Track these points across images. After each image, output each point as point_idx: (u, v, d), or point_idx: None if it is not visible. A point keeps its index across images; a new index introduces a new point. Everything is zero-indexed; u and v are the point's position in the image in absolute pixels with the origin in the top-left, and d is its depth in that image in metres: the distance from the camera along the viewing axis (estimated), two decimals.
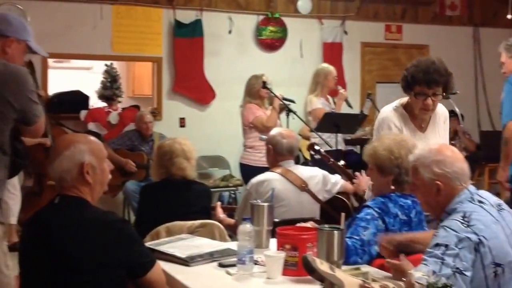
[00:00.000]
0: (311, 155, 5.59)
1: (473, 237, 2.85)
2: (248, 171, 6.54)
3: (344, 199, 5.08)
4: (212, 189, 8.47)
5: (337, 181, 5.04)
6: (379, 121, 4.37)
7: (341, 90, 7.64)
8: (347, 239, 3.41)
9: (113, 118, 8.42)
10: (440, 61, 4.12)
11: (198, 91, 9.07)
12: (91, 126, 8.28)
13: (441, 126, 4.36)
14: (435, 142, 4.04)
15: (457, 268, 2.79)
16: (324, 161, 5.50)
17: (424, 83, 4.06)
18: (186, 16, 8.98)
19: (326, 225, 3.16)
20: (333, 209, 4.94)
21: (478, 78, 10.82)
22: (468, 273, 2.80)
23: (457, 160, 3.08)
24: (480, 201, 3.02)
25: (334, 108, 7.53)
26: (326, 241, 3.07)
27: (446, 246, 2.83)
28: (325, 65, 7.85)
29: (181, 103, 9.08)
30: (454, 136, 8.16)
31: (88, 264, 2.82)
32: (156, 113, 8.74)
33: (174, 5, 8.89)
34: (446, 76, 4.08)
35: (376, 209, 3.59)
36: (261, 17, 9.43)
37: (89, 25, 8.50)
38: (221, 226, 4.49)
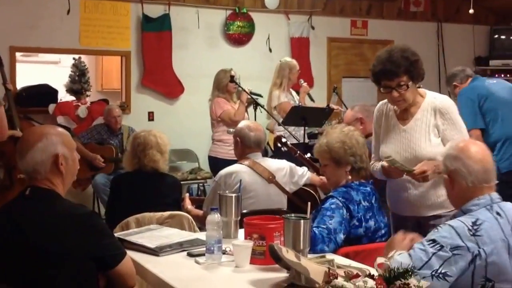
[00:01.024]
0: (278, 148, 5.67)
1: (473, 248, 2.82)
2: (217, 164, 6.61)
3: (311, 190, 5.18)
4: (181, 182, 8.63)
5: (304, 173, 5.14)
6: None
7: (303, 83, 7.70)
8: (314, 228, 3.54)
9: (82, 112, 8.42)
10: (400, 49, 3.92)
11: (166, 85, 9.12)
12: (60, 119, 8.27)
13: (430, 120, 4.01)
14: (417, 137, 3.98)
15: (440, 273, 2.80)
16: (291, 154, 5.58)
17: (383, 76, 3.92)
18: (154, 10, 9.01)
19: (293, 215, 3.27)
20: (300, 201, 5.04)
21: (441, 73, 10.97)
22: (451, 279, 2.80)
23: (469, 158, 3.02)
24: (498, 213, 2.96)
25: (298, 101, 7.59)
26: (293, 230, 3.15)
27: (441, 247, 2.83)
28: (288, 59, 7.88)
29: (149, 97, 9.12)
30: None
31: (58, 256, 2.83)
32: (125, 107, 8.79)
33: None
34: (405, 64, 3.86)
35: (340, 198, 3.74)
36: (229, 12, 9.50)
37: (57, 19, 8.50)
38: (190, 217, 4.58)
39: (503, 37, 11.30)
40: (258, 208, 4.64)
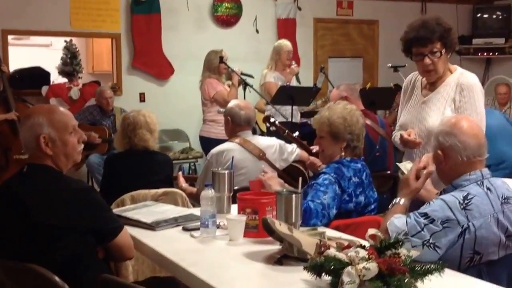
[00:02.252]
0: (267, 127, 5.79)
1: (463, 221, 2.87)
2: (210, 144, 6.61)
3: (300, 167, 5.31)
4: (174, 161, 8.76)
5: (293, 150, 5.26)
6: None
7: (293, 66, 7.80)
8: (309, 202, 3.65)
9: (74, 93, 8.53)
10: (434, 18, 3.93)
11: (156, 67, 9.23)
12: (53, 101, 8.37)
13: (449, 94, 3.98)
14: (433, 109, 3.98)
15: (431, 243, 2.86)
16: (280, 133, 5.71)
17: (417, 42, 3.89)
18: None
19: (285, 189, 3.41)
20: (290, 177, 5.17)
21: None
22: (441, 250, 2.86)
23: (463, 133, 3.04)
24: (488, 188, 2.99)
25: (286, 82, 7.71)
26: (285, 204, 3.25)
27: (432, 220, 2.88)
28: (281, 41, 8.02)
29: (140, 78, 9.23)
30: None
31: (57, 230, 2.90)
32: (116, 89, 8.89)
33: None
34: (440, 31, 3.86)
35: (333, 174, 3.83)
36: None
37: (48, 2, 8.58)
38: (184, 194, 4.70)
39: (485, 16, 11.40)
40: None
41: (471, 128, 3.10)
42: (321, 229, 3.37)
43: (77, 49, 8.95)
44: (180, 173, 5.36)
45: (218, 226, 3.51)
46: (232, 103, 5.17)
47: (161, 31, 9.19)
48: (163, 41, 9.22)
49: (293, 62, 7.78)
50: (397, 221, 3.00)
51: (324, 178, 3.83)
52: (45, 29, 8.70)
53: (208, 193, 3.46)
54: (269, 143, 5.14)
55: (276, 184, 3.93)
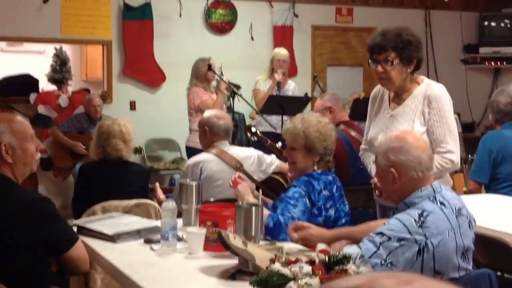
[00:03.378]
0: (248, 137, 5.69)
1: (421, 240, 2.82)
2: (195, 154, 6.58)
3: (280, 179, 5.19)
4: (163, 172, 8.68)
5: (272, 161, 5.15)
6: None
7: (276, 74, 7.62)
8: (279, 215, 3.57)
9: (63, 101, 8.45)
10: (398, 28, 3.85)
11: (148, 74, 9.13)
12: (41, 109, 8.32)
13: (418, 107, 3.87)
14: (401, 122, 3.87)
15: (388, 262, 2.80)
16: (262, 143, 5.60)
17: (372, 50, 3.85)
18: None
19: (245, 202, 3.31)
20: (269, 189, 5.05)
21: (429, 60, 10.88)
22: (397, 270, 2.79)
23: (415, 148, 2.97)
24: (442, 203, 2.94)
25: (280, 91, 7.58)
26: (244, 217, 3.21)
27: (389, 238, 2.83)
28: (276, 49, 7.93)
29: (131, 86, 9.13)
30: None
31: (9, 240, 2.89)
32: (106, 96, 8.79)
33: None
34: (396, 41, 3.78)
35: (303, 187, 3.75)
36: (211, 0, 9.47)
37: (38, 8, 8.50)
38: (157, 206, 4.62)
39: (493, 24, 11.09)
40: (226, 196, 4.64)
41: (419, 142, 3.05)
42: (280, 243, 3.25)
43: (67, 56, 8.85)
44: (157, 184, 5.25)
45: (180, 239, 3.44)
46: (208, 113, 5.07)
47: (153, 38, 9.09)
48: (155, 48, 9.12)
49: (279, 71, 7.59)
50: (350, 249, 2.91)
51: (294, 191, 3.76)
52: (35, 35, 8.63)
53: (169, 204, 3.40)
54: (246, 154, 5.02)
55: (248, 192, 3.83)
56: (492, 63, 11.00)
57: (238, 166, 4.89)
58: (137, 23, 8.96)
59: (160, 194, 5.05)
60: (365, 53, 10.34)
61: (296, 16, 9.96)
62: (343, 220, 3.89)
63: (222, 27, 9.56)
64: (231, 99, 7.18)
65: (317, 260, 2.56)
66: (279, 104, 7.01)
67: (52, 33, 8.61)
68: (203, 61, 7.28)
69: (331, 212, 3.82)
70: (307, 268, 2.47)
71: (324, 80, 9.76)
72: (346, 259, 2.53)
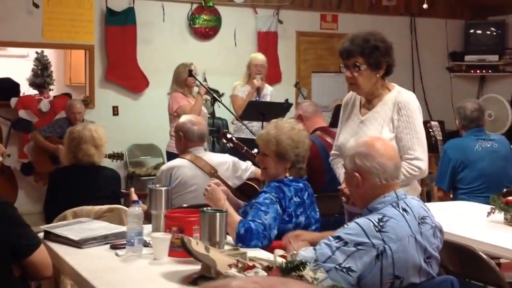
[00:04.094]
0: (224, 144, 5.67)
1: (378, 244, 2.81)
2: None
3: (255, 185, 5.17)
4: (145, 177, 8.64)
5: (247, 167, 5.13)
6: None
7: (255, 80, 7.56)
8: (250, 222, 3.56)
9: (44, 105, 8.42)
10: (368, 33, 3.83)
11: (131, 79, 9.09)
12: (22, 113, 8.28)
13: (387, 114, 3.84)
14: (370, 128, 3.86)
15: (343, 267, 2.78)
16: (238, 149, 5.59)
17: (341, 55, 3.85)
18: (118, 4, 8.98)
19: (209, 208, 3.29)
20: (244, 195, 5.03)
21: (415, 68, 10.94)
22: (355, 274, 2.79)
23: (381, 155, 2.97)
24: (404, 209, 2.93)
25: (259, 97, 7.54)
26: (208, 223, 3.20)
27: (346, 243, 2.81)
28: (253, 54, 7.87)
29: (114, 91, 9.09)
30: None
31: None
32: (88, 102, 8.76)
33: None
34: (364, 47, 3.75)
35: (274, 194, 3.73)
36: (195, 5, 9.46)
37: (20, 13, 8.46)
38: None
39: (478, 31, 11.13)
40: (199, 202, 4.62)
41: (387, 150, 3.05)
42: (243, 249, 3.23)
43: (49, 61, 8.83)
44: (133, 189, 5.20)
45: (147, 244, 3.41)
46: (183, 119, 5.06)
47: (136, 43, 9.06)
48: (138, 54, 9.09)
49: (257, 76, 7.53)
50: (305, 252, 2.89)
51: (264, 197, 3.73)
52: (17, 40, 8.60)
53: (135, 210, 3.38)
54: (221, 160, 5.00)
55: (220, 196, 3.79)
56: (478, 71, 11.03)
57: (212, 172, 4.87)
58: (120, 28, 8.93)
59: (135, 198, 5.02)
60: None
61: (281, 22, 9.96)
62: (313, 227, 3.87)
63: (206, 33, 9.54)
64: (213, 104, 7.16)
65: (274, 266, 2.56)
66: (259, 110, 6.97)
67: (34, 37, 8.57)
68: (184, 66, 7.25)
69: (302, 218, 3.80)
70: (262, 273, 2.48)
71: (309, 86, 9.74)
72: (302, 264, 2.52)
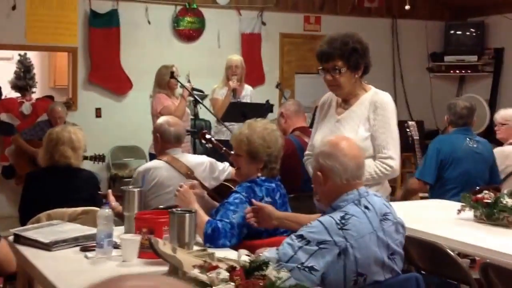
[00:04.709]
0: (203, 144, 5.66)
1: (340, 242, 2.82)
2: None
3: (232, 186, 5.15)
4: (128, 179, 8.60)
5: (225, 168, 5.11)
6: None
7: (231, 82, 7.52)
8: (218, 221, 3.56)
9: (26, 108, 8.41)
10: (345, 35, 3.85)
11: (114, 81, 9.10)
12: (3, 116, 8.28)
13: (363, 113, 3.88)
14: (347, 128, 3.87)
15: (306, 266, 2.79)
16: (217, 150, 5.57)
17: (319, 57, 3.88)
18: (102, 6, 8.99)
19: (179, 209, 3.29)
20: (221, 196, 5.02)
21: (396, 69, 11.05)
22: (318, 273, 2.79)
23: (344, 155, 3.00)
24: (366, 207, 2.95)
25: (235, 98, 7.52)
26: (177, 224, 3.20)
27: (308, 242, 2.82)
28: (230, 56, 7.84)
29: (97, 93, 9.10)
30: None
31: None
32: (71, 104, 8.74)
33: None
34: (343, 49, 3.77)
35: (244, 194, 3.73)
36: (179, 7, 9.47)
37: (3, 15, 8.45)
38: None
39: (458, 32, 11.28)
40: (176, 203, 4.63)
41: (350, 150, 3.05)
42: (212, 249, 3.22)
43: (31, 63, 8.81)
44: (110, 191, 5.19)
45: (117, 246, 3.38)
46: (161, 120, 5.05)
47: (120, 45, 9.07)
48: (122, 56, 9.09)
49: (233, 77, 7.51)
50: (268, 253, 2.90)
51: (235, 197, 3.75)
52: (0, 42, 8.54)
53: (104, 212, 3.36)
54: (198, 161, 4.99)
55: (191, 198, 3.78)
56: (457, 71, 11.21)
57: (189, 173, 4.86)
58: (103, 30, 8.94)
59: (113, 201, 5.00)
60: None
61: (264, 24, 9.99)
62: None
63: (189, 35, 9.55)
64: (197, 106, 7.16)
65: (238, 266, 2.54)
66: (240, 111, 6.96)
67: (17, 39, 8.55)
68: (165, 68, 7.24)
69: None
70: (224, 274, 2.45)
71: (292, 87, 9.78)
72: (265, 264, 2.51)
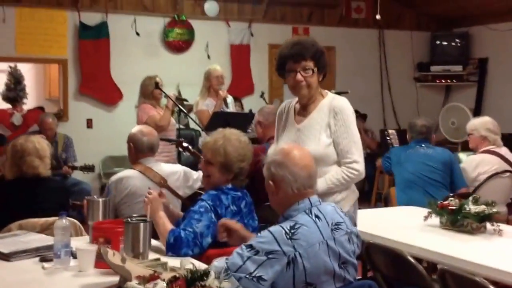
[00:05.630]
0: (179, 153, 5.70)
1: (289, 251, 2.83)
2: None
3: None
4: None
5: (199, 177, 5.13)
6: None
7: (221, 91, 7.56)
8: (181, 230, 3.57)
9: (17, 119, 8.48)
10: (309, 39, 3.91)
11: (104, 92, 9.18)
12: None
13: (323, 120, 3.86)
14: (308, 136, 3.86)
15: (254, 276, 2.80)
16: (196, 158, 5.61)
17: (290, 57, 3.79)
18: (92, 18, 9.09)
19: (134, 218, 3.31)
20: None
21: (383, 78, 11.11)
22: (266, 283, 2.80)
23: (294, 164, 3.02)
24: (317, 216, 2.97)
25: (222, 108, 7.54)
26: (132, 233, 3.20)
27: (257, 252, 2.83)
28: (211, 66, 7.84)
29: (88, 104, 9.18)
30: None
31: None
32: (62, 115, 8.80)
33: (79, 7, 8.98)
34: (313, 50, 3.80)
35: (209, 202, 3.73)
36: (168, 19, 9.55)
37: None
38: (78, 223, 4.56)
39: (444, 43, 11.42)
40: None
41: (302, 159, 3.05)
42: (165, 259, 3.24)
43: (22, 75, 8.89)
44: (85, 201, 5.21)
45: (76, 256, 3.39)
46: (135, 129, 5.10)
47: (109, 56, 9.15)
48: (112, 67, 9.17)
49: (222, 87, 7.54)
50: (217, 263, 2.91)
51: (200, 205, 3.74)
52: None
53: (62, 222, 3.37)
54: (172, 170, 5.04)
55: (159, 205, 3.81)
56: (443, 80, 11.36)
57: (162, 182, 4.89)
58: (93, 41, 9.03)
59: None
60: None
61: (253, 35, 10.09)
62: None
63: (179, 46, 9.63)
64: (177, 116, 7.21)
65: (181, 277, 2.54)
66: (225, 120, 6.97)
67: (7, 51, 8.64)
68: (150, 79, 7.28)
69: None
70: (162, 285, 2.46)
71: (282, 97, 9.79)
72: (206, 274, 2.51)
